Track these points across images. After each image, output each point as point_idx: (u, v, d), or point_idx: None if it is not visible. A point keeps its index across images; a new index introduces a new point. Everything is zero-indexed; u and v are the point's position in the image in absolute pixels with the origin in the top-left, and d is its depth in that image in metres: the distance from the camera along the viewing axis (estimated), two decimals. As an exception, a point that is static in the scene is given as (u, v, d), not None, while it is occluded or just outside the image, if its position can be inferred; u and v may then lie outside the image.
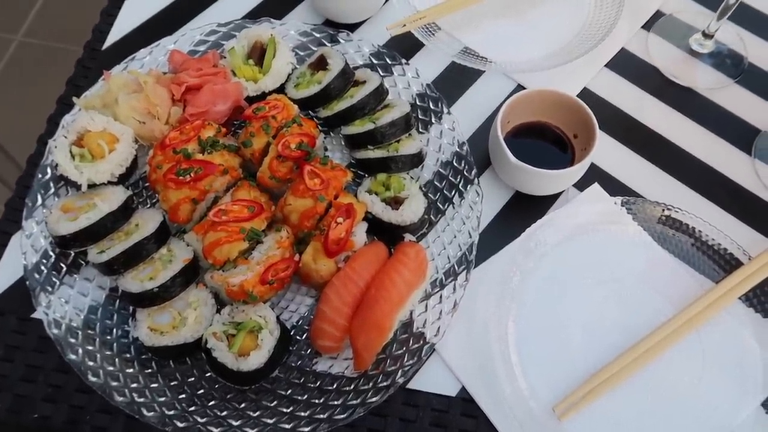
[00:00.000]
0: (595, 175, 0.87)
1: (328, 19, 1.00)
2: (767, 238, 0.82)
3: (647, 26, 0.99)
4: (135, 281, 0.73)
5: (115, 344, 0.75)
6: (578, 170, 0.79)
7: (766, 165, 0.87)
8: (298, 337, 0.77)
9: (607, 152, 0.89)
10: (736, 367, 0.74)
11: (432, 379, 0.75)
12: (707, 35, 0.94)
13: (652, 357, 0.74)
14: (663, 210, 0.82)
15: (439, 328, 0.75)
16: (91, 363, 0.73)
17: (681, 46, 0.97)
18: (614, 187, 0.86)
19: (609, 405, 0.73)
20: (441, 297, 0.77)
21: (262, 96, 0.87)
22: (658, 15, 1.00)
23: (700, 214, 0.81)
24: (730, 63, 0.95)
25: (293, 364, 0.75)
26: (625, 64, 0.96)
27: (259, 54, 0.89)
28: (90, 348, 0.74)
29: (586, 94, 0.94)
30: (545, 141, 0.86)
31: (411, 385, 0.75)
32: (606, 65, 0.96)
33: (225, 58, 0.89)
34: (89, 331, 0.75)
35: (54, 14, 2.17)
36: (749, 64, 0.95)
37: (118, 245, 0.74)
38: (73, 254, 0.79)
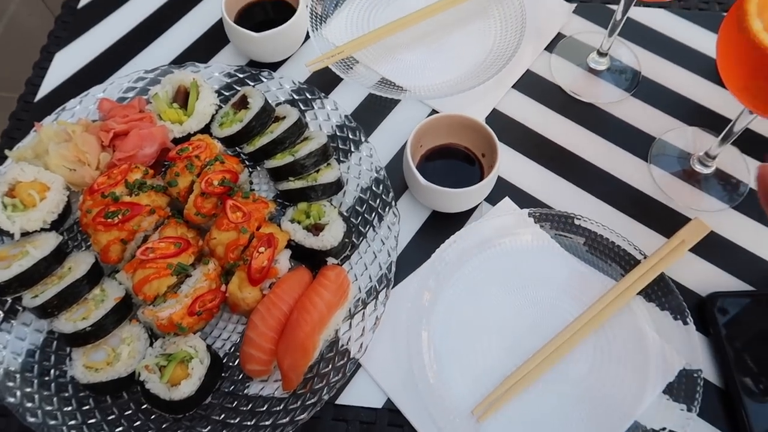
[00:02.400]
0: (507, 189, 0.93)
1: (251, 59, 1.05)
2: (663, 237, 0.89)
3: (549, 48, 1.07)
4: (68, 322, 0.76)
5: (53, 384, 0.78)
6: (485, 186, 0.85)
7: (660, 169, 0.94)
8: (230, 364, 0.81)
9: (517, 168, 0.95)
10: (638, 358, 0.80)
11: (359, 393, 0.80)
12: (602, 53, 1.02)
13: (562, 354, 0.80)
14: (569, 218, 0.88)
15: (362, 344, 0.79)
16: (29, 404, 0.76)
17: (581, 65, 1.05)
18: (525, 199, 0.93)
19: (524, 403, 0.78)
20: (364, 315, 0.82)
21: (188, 137, 0.91)
22: (559, 37, 1.08)
23: (603, 219, 0.88)
24: (625, 78, 1.03)
25: (226, 390, 0.79)
26: (531, 85, 1.03)
27: (183, 97, 0.94)
28: (28, 390, 0.77)
29: (496, 115, 1.00)
30: (457, 161, 0.92)
31: (340, 401, 0.79)
32: (513, 86, 1.03)
33: (151, 103, 0.94)
34: (27, 374, 0.78)
35: None
36: (643, 78, 1.03)
37: (51, 288, 0.78)
38: (9, 301, 0.83)
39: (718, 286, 0.85)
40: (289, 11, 1.02)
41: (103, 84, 0.99)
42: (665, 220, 0.90)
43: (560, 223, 0.88)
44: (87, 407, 0.77)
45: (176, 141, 0.92)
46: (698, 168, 0.94)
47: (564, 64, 1.05)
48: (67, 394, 0.78)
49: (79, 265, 0.81)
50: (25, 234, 0.83)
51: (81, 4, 1.12)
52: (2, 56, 2.21)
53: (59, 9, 1.13)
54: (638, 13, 1.10)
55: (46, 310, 0.77)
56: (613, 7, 1.09)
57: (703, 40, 1.06)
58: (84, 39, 1.08)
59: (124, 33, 1.09)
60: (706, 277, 0.86)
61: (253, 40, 0.98)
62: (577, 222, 0.88)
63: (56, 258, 0.81)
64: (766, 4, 0.64)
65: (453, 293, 0.84)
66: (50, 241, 0.81)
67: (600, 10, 1.10)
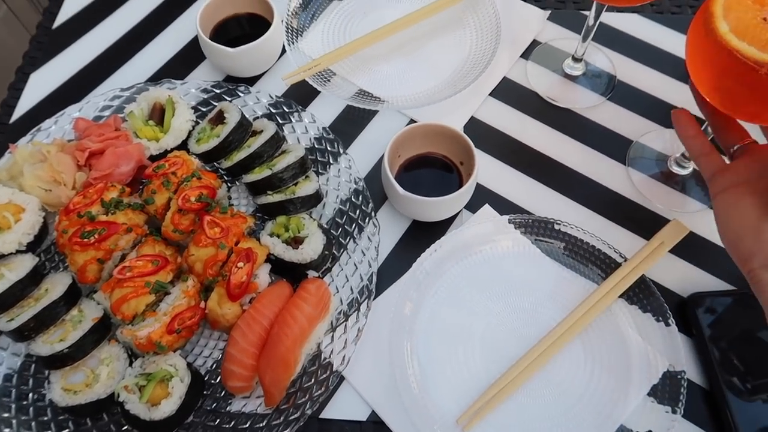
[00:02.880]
0: (487, 196, 0.93)
1: (228, 75, 1.05)
2: (643, 239, 0.89)
3: (525, 55, 1.07)
4: (46, 344, 0.75)
5: (31, 408, 0.77)
6: (464, 194, 0.85)
7: (638, 172, 0.95)
8: (212, 381, 0.80)
9: (497, 174, 0.96)
10: (623, 361, 0.80)
11: (343, 407, 0.79)
12: (576, 59, 1.03)
13: (545, 360, 0.79)
14: (549, 224, 0.88)
15: (345, 356, 0.79)
16: (7, 430, 0.74)
17: (557, 71, 1.05)
18: (504, 206, 0.93)
19: (509, 411, 0.77)
20: (346, 327, 0.81)
21: (165, 154, 0.91)
22: (534, 44, 1.08)
23: (583, 224, 0.88)
24: (601, 82, 1.04)
25: (208, 408, 0.78)
26: (508, 92, 1.04)
27: (158, 114, 0.93)
28: (6, 415, 0.76)
29: (474, 123, 1.01)
30: (435, 170, 0.92)
31: (324, 415, 0.78)
32: (490, 94, 1.03)
33: (126, 121, 0.93)
34: (5, 399, 0.77)
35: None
36: (618, 82, 1.04)
37: (27, 311, 0.76)
38: (-15, 325, 0.81)
39: (699, 287, 0.85)
40: (265, 25, 1.02)
41: (78, 103, 0.98)
42: (645, 223, 0.90)
43: (540, 229, 0.88)
44: (67, 430, 0.76)
45: (153, 158, 0.91)
46: (676, 170, 0.95)
47: (540, 71, 1.06)
48: (46, 418, 0.76)
49: (55, 286, 0.80)
50: (0, 257, 0.82)
51: (56, 25, 1.11)
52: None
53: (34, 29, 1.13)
54: (612, 18, 1.11)
55: (23, 333, 0.76)
56: (587, 12, 1.10)
57: (676, 43, 1.07)
58: (59, 59, 1.08)
59: (100, 52, 1.08)
60: (686, 278, 0.86)
61: (228, 55, 0.98)
62: (557, 227, 0.88)
63: (32, 280, 0.80)
64: (732, 6, 0.65)
65: (435, 302, 0.84)
66: (26, 263, 0.81)
67: (573, 17, 1.11)
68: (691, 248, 0.88)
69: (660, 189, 0.93)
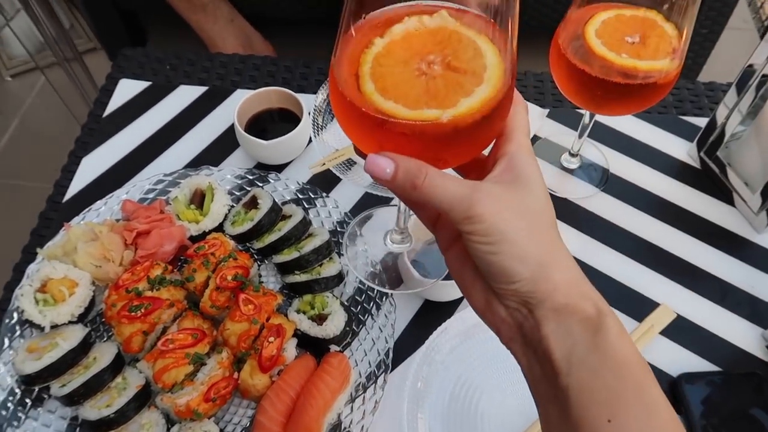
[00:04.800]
0: (492, 278, 1.03)
1: (259, 162, 1.17)
2: (634, 320, 0.98)
3: (527, 149, 1.19)
4: (93, 409, 0.83)
5: (75, 469, 0.84)
6: (472, 278, 0.95)
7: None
8: (241, 447, 0.87)
9: (501, 258, 1.05)
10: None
11: (361, 474, 0.86)
12: (573, 154, 1.15)
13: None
14: (547, 305, 0.97)
15: (363, 426, 0.86)
16: (53, 489, 0.81)
17: (555, 164, 1.17)
18: (509, 287, 1.02)
19: (513, 481, 0.84)
20: (364, 398, 0.89)
21: (203, 235, 1.01)
22: (535, 139, 1.21)
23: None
24: (595, 175, 1.15)
25: (237, 472, 0.85)
26: (511, 182, 1.15)
27: (199, 199, 1.04)
28: (53, 475, 0.83)
29: (480, 210, 1.11)
30: (446, 254, 1.02)
31: (343, 481, 0.85)
32: (495, 184, 1.14)
33: (170, 204, 1.04)
34: (52, 460, 0.84)
35: (13, 155, 2.32)
36: (611, 175, 1.15)
37: (78, 378, 0.85)
38: (37, 389, 0.89)
39: (687, 367, 0.93)
40: (293, 117, 1.15)
41: (125, 186, 1.10)
42: (635, 304, 0.99)
43: (541, 310, 0.97)
44: (107, 491, 0.82)
45: (193, 239, 1.01)
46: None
47: (540, 163, 1.17)
48: (88, 479, 0.83)
49: (103, 355, 0.88)
50: (54, 327, 0.91)
51: (105, 113, 1.24)
52: (28, 151, 2.34)
53: (84, 117, 1.25)
54: (605, 117, 1.23)
55: (73, 399, 0.84)
56: (583, 111, 1.23)
57: (662, 139, 1.19)
58: (108, 144, 1.20)
59: (145, 139, 1.21)
60: (675, 359, 0.94)
61: (262, 146, 1.10)
62: (556, 308, 0.97)
63: (83, 349, 0.89)
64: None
65: (445, 378, 0.92)
66: (77, 333, 0.89)
67: (571, 115, 1.24)
68: (679, 330, 0.97)
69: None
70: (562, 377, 0.48)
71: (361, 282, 1.00)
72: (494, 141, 0.55)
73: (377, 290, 0.98)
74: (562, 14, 0.90)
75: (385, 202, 1.12)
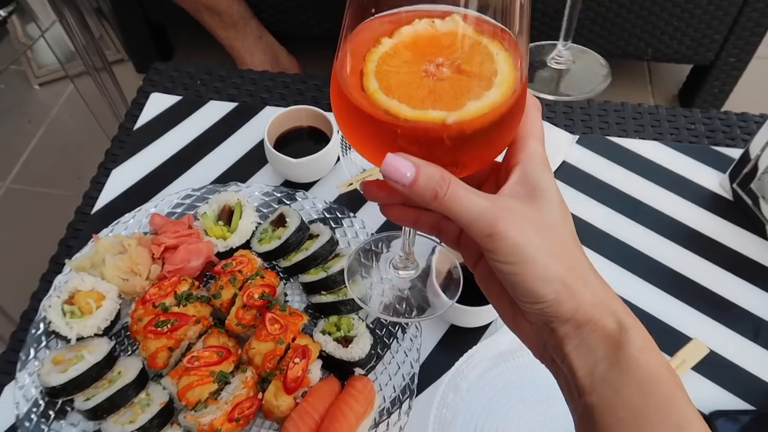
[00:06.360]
0: (519, 305, 1.01)
1: (287, 179, 1.17)
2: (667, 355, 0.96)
3: (556, 175, 1.18)
4: (117, 425, 0.83)
5: (96, 485, 0.83)
6: (500, 305, 0.93)
7: (661, 290, 1.03)
8: (262, 469, 0.86)
9: (529, 285, 1.04)
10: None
11: (383, 501, 0.84)
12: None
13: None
14: (576, 335, 0.95)
15: (386, 452, 0.85)
16: (73, 504, 0.81)
17: (585, 192, 1.16)
18: (536, 315, 1.00)
19: None
20: (388, 424, 0.87)
21: (231, 252, 1.01)
22: (564, 165, 1.20)
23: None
24: (624, 204, 1.14)
25: (258, 495, 0.83)
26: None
27: (227, 215, 1.05)
28: (73, 490, 0.82)
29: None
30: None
31: (364, 508, 0.84)
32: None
33: (198, 220, 1.04)
34: (73, 474, 0.84)
35: (39, 162, 2.35)
36: (641, 203, 1.14)
37: (102, 392, 0.84)
38: (60, 402, 0.89)
39: (719, 405, 0.91)
40: (321, 135, 1.15)
41: (153, 200, 1.10)
42: (666, 337, 0.97)
43: (569, 340, 0.96)
44: None
45: (219, 255, 1.01)
46: (695, 289, 1.02)
47: (568, 191, 1.16)
48: (108, 495, 0.83)
49: (128, 370, 0.88)
50: (79, 339, 0.91)
51: (136, 126, 1.25)
52: (53, 159, 2.37)
53: (110, 126, 1.27)
54: (634, 144, 1.22)
55: (97, 413, 0.83)
56: (613, 138, 1.22)
57: (694, 169, 1.18)
58: (138, 157, 1.20)
59: (174, 152, 1.21)
60: (707, 396, 0.92)
61: (291, 164, 1.10)
62: (585, 339, 0.95)
63: (108, 363, 0.88)
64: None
65: (471, 407, 0.90)
66: (103, 347, 0.89)
67: (601, 141, 1.23)
68: (712, 366, 0.95)
69: (681, 307, 1.01)
70: (586, 395, 0.47)
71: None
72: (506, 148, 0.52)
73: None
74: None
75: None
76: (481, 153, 0.50)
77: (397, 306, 0.77)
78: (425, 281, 0.83)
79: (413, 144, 0.46)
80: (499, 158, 0.53)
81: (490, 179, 0.55)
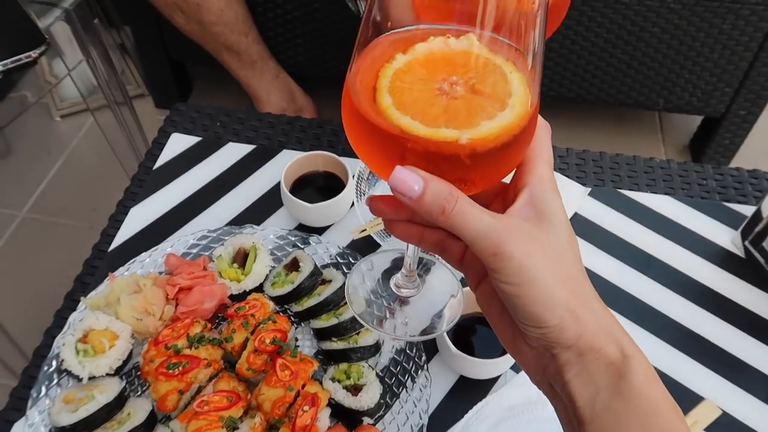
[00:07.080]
0: (530, 357, 1.01)
1: (301, 223, 1.18)
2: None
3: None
4: (124, 468, 0.83)
5: None
6: (510, 358, 0.93)
7: (672, 347, 1.03)
8: None
9: (539, 337, 1.04)
10: None
11: None
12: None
13: None
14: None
15: (393, 506, 0.84)
16: None
17: (596, 245, 1.16)
18: (546, 368, 1.00)
19: None
20: (395, 476, 0.87)
21: (244, 294, 1.02)
22: (575, 217, 1.21)
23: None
24: (635, 258, 1.14)
25: None
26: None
27: (242, 258, 1.06)
28: None
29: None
30: (485, 329, 1.01)
31: None
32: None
33: (213, 261, 1.06)
34: None
35: (55, 193, 2.39)
36: (653, 258, 1.14)
37: (111, 434, 0.85)
38: (69, 442, 0.89)
39: (731, 467, 0.90)
40: (337, 180, 1.17)
41: (170, 239, 1.12)
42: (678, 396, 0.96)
43: (580, 395, 0.95)
44: None
45: (232, 297, 1.02)
46: (707, 347, 1.02)
47: (580, 243, 1.17)
48: None
49: (137, 411, 0.88)
50: (91, 378, 0.91)
51: (156, 166, 1.28)
52: (70, 190, 2.41)
53: (128, 159, 1.29)
54: (646, 198, 1.23)
55: (105, 455, 0.84)
56: (625, 191, 1.23)
57: (705, 225, 1.19)
58: (156, 196, 1.23)
59: (191, 193, 1.24)
60: (719, 457, 0.91)
61: (306, 209, 1.12)
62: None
63: (118, 403, 0.89)
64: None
65: (480, 460, 0.90)
66: (114, 387, 0.90)
67: (613, 194, 1.24)
68: (724, 428, 0.93)
69: (692, 365, 1.00)
70: (585, 425, 0.46)
71: (397, 353, 0.99)
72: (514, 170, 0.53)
73: (413, 362, 0.97)
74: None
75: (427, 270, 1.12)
76: (491, 172, 0.50)
77: (397, 324, 0.78)
78: (427, 300, 0.83)
79: (423, 160, 0.46)
80: (507, 179, 0.54)
81: (498, 199, 0.55)
